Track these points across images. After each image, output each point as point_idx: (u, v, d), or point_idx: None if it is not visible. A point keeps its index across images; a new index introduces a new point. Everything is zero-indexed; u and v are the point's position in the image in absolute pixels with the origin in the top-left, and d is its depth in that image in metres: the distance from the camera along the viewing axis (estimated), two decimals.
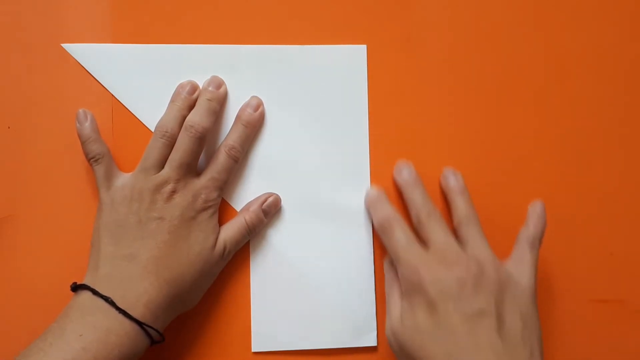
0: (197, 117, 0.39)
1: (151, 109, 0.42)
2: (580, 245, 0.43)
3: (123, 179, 0.39)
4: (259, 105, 0.42)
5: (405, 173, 0.41)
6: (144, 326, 0.35)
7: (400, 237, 0.37)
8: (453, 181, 0.41)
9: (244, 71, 0.43)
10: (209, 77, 0.42)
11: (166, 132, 0.39)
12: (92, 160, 0.39)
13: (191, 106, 0.40)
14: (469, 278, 0.34)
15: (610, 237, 0.44)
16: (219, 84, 0.41)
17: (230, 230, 0.40)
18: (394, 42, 0.44)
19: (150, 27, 0.43)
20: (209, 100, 0.40)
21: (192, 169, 0.39)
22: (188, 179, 0.38)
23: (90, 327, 0.34)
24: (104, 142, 0.40)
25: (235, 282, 0.42)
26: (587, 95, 0.44)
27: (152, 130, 0.41)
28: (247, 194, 0.43)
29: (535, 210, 0.40)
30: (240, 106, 0.42)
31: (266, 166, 0.43)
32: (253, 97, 0.42)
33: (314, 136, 0.43)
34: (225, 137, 0.41)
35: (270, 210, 0.41)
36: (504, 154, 0.44)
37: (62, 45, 0.43)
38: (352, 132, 0.43)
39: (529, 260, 0.37)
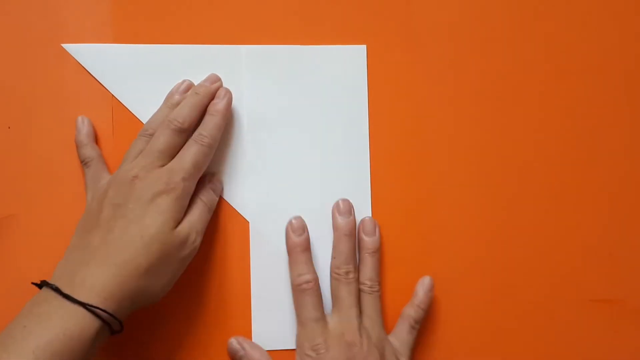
0: (179, 110, 0.39)
1: (151, 109, 0.41)
2: (580, 245, 0.43)
3: (106, 178, 0.40)
4: (225, 95, 0.41)
5: (344, 219, 0.42)
6: (88, 307, 0.33)
7: (313, 307, 0.40)
8: (369, 239, 0.42)
9: (244, 71, 0.43)
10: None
11: (147, 130, 0.39)
12: (82, 163, 0.41)
13: None
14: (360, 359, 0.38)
15: (610, 237, 0.43)
16: (213, 79, 0.42)
17: (191, 213, 0.39)
18: (394, 42, 0.44)
19: (150, 28, 0.43)
20: (196, 93, 0.40)
21: (163, 158, 0.38)
22: (155, 166, 0.38)
23: (35, 316, 0.33)
24: (96, 146, 0.42)
25: (235, 281, 0.42)
26: (588, 95, 0.44)
27: None
28: (247, 193, 0.43)
29: (423, 287, 0.42)
30: (241, 105, 0.43)
31: (266, 166, 0.43)
32: (222, 88, 0.42)
33: (313, 136, 0.43)
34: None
35: (216, 187, 0.42)
36: (504, 154, 0.44)
37: (62, 45, 0.43)
38: (352, 132, 0.43)
39: (408, 342, 0.41)
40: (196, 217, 0.39)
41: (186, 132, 0.39)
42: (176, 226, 0.37)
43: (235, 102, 0.42)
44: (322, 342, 0.39)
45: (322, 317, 0.40)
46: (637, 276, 0.43)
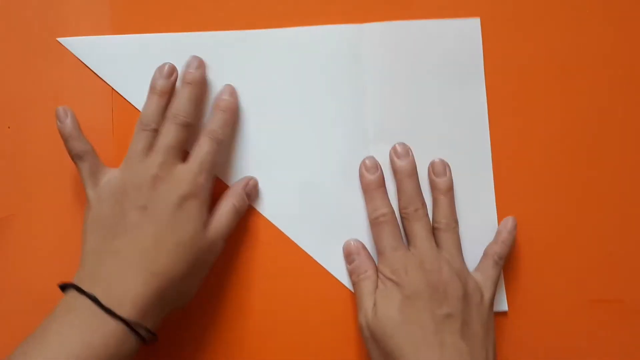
0: (180, 104, 0.39)
1: None
2: (580, 245, 0.43)
3: (110, 173, 0.38)
4: (232, 92, 0.42)
5: (403, 162, 0.41)
6: (131, 325, 0.33)
7: (390, 237, 0.40)
8: (442, 178, 0.41)
9: (245, 56, 0.43)
10: (208, 64, 0.42)
11: (147, 125, 0.38)
12: (75, 157, 0.38)
13: (170, 91, 0.40)
14: (441, 285, 0.37)
15: (610, 237, 0.43)
16: (197, 64, 0.41)
17: (220, 217, 0.39)
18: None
19: (149, 19, 0.43)
20: (189, 84, 0.40)
21: (177, 155, 0.38)
22: (173, 165, 0.38)
23: (73, 328, 0.33)
24: (86, 138, 0.39)
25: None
26: (589, 94, 0.44)
27: None
28: (239, 171, 0.43)
29: (506, 227, 0.42)
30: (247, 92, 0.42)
31: (262, 150, 0.43)
32: (227, 85, 0.42)
33: (311, 119, 0.43)
34: (205, 124, 0.40)
35: (251, 193, 0.42)
36: (505, 153, 0.44)
37: (58, 39, 0.42)
38: (351, 118, 0.43)
39: (492, 277, 0.40)
40: (224, 221, 0.39)
41: (191, 126, 0.39)
42: (205, 231, 0.37)
43: (238, 90, 0.42)
44: (402, 267, 0.38)
45: (401, 247, 0.39)
46: (637, 276, 0.43)
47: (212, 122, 0.40)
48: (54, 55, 0.43)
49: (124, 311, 0.33)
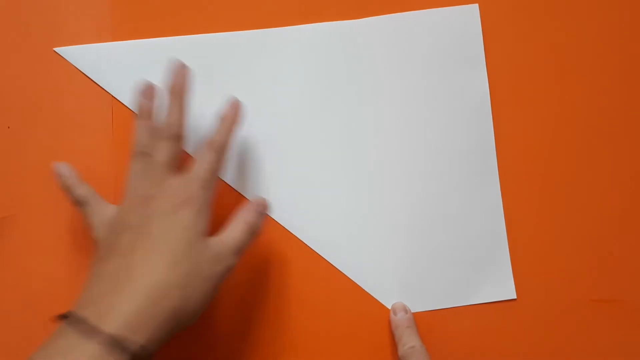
0: (171, 118, 0.38)
1: None
2: (580, 245, 0.43)
3: (111, 207, 0.38)
4: (235, 103, 0.40)
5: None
6: (114, 339, 0.31)
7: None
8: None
9: (243, 57, 0.43)
10: (208, 66, 0.42)
11: (144, 148, 0.37)
12: (78, 204, 0.38)
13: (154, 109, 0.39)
14: None
15: (610, 236, 0.43)
16: (179, 71, 0.39)
17: (230, 230, 0.37)
18: None
19: (152, 25, 0.43)
20: (178, 95, 0.38)
21: (169, 170, 0.37)
22: (163, 180, 0.36)
23: (59, 355, 0.31)
24: (87, 184, 0.39)
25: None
26: (589, 93, 0.44)
27: None
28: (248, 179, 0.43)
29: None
30: (238, 93, 0.41)
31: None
32: (232, 97, 0.40)
33: (312, 118, 0.43)
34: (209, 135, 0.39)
35: (263, 210, 0.39)
36: (505, 153, 0.44)
37: (55, 49, 0.43)
38: (351, 115, 0.43)
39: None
40: (233, 236, 0.37)
41: (182, 136, 0.38)
42: (205, 240, 0.36)
43: (232, 91, 0.41)
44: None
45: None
46: (637, 276, 0.43)
47: (214, 131, 0.38)
48: (55, 60, 0.43)
49: (109, 326, 0.31)
